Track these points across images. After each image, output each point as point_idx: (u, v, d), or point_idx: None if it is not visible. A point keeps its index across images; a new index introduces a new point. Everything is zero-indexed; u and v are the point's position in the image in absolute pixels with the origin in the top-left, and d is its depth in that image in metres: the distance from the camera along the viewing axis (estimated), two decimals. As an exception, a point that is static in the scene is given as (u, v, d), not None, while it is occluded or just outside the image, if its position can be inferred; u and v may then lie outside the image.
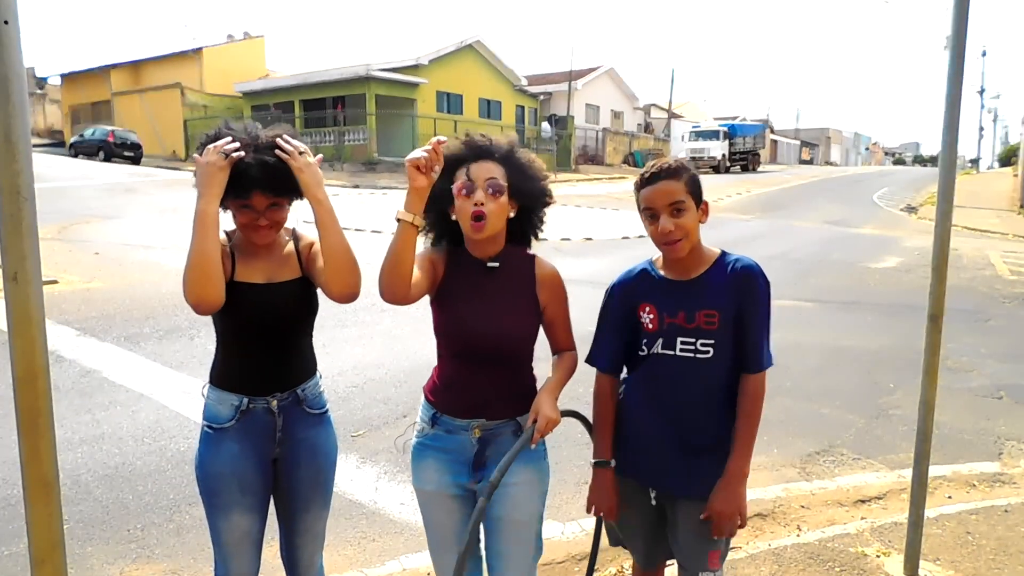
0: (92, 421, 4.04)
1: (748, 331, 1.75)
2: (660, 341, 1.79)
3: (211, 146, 1.70)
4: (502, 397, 1.77)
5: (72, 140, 27.86)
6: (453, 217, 1.74)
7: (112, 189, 16.32)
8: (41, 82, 37.85)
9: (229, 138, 1.72)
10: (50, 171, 18.43)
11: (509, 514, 1.76)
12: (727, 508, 1.74)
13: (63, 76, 35.60)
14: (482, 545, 1.84)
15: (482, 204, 1.67)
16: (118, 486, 3.36)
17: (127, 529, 3.01)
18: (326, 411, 1.97)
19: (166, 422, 4.06)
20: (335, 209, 1.75)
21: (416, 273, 1.67)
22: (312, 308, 1.91)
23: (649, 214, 1.74)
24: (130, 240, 9.96)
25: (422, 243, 1.79)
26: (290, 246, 1.90)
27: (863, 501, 3.42)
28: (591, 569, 2.11)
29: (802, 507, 3.33)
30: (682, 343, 1.77)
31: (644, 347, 1.83)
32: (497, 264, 1.76)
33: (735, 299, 1.75)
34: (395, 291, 1.61)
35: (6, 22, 1.16)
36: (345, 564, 2.81)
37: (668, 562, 2.01)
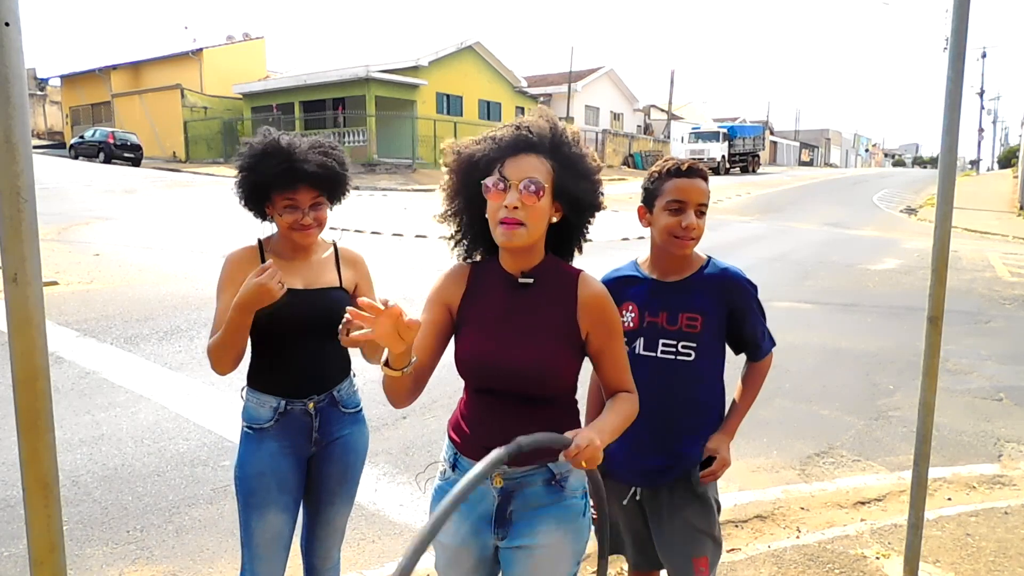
0: (92, 422, 4.04)
1: (745, 329, 1.83)
2: (641, 341, 1.80)
3: (272, 273, 1.64)
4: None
5: (72, 141, 27.89)
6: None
7: (112, 190, 16.32)
8: (41, 83, 37.88)
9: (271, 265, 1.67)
10: (50, 173, 18.44)
11: None
12: (726, 456, 1.81)
13: (63, 77, 35.63)
14: None
15: (516, 208, 1.38)
16: (117, 487, 3.35)
17: (126, 530, 3.01)
18: (360, 409, 2.02)
19: (165, 423, 4.06)
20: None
21: (422, 340, 1.43)
22: (342, 317, 1.93)
23: (675, 206, 1.75)
24: (130, 241, 9.96)
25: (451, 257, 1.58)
26: (329, 252, 1.96)
27: (862, 503, 3.41)
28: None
29: (801, 509, 3.33)
30: (663, 344, 1.79)
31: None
32: (531, 280, 1.46)
33: (722, 304, 1.79)
34: (402, 404, 1.48)
35: (7, 24, 1.16)
36: (344, 565, 2.79)
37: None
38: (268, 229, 1.95)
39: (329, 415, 1.92)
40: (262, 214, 1.90)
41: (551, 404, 1.48)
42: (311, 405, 1.88)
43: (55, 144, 32.89)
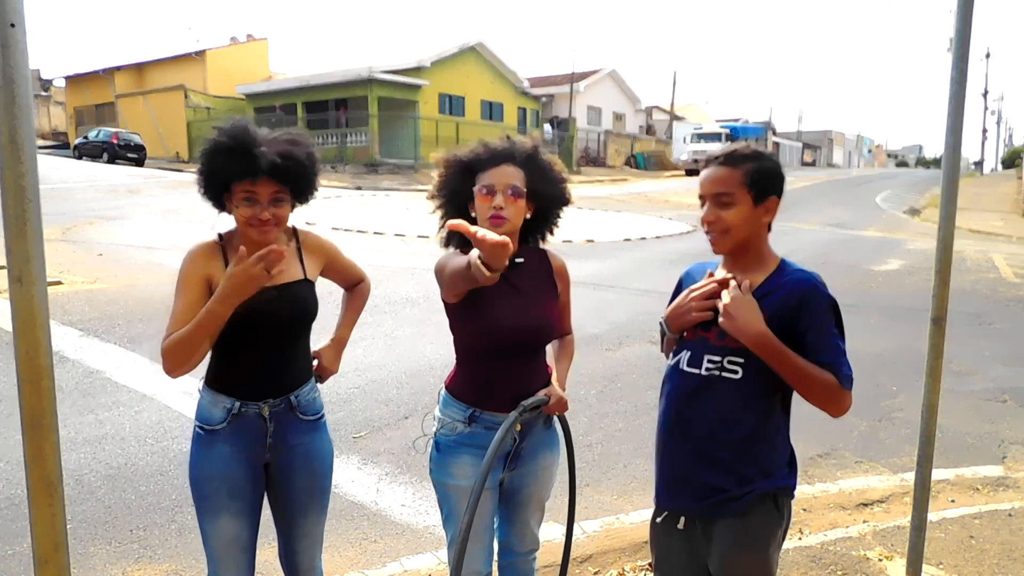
0: (95, 421, 4.05)
1: (813, 351, 1.55)
2: (687, 355, 1.63)
3: (257, 256, 1.56)
4: (537, 384, 1.84)
5: (76, 142, 27.95)
6: (473, 214, 1.81)
7: (116, 190, 16.36)
8: (46, 84, 38.01)
9: (274, 247, 1.59)
10: (55, 173, 18.48)
11: (539, 493, 1.96)
12: (740, 314, 1.50)
13: (67, 78, 35.73)
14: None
15: (501, 208, 1.75)
16: (121, 486, 3.36)
17: (129, 529, 3.02)
18: (320, 416, 1.93)
19: (168, 423, 4.07)
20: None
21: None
22: (311, 312, 1.86)
23: (701, 201, 1.62)
24: (133, 241, 9.98)
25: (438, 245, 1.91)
26: (291, 247, 1.86)
27: (865, 504, 3.41)
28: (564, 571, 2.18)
29: (804, 510, 3.33)
30: (708, 361, 1.59)
31: (671, 356, 1.69)
32: (522, 260, 1.83)
33: (784, 315, 1.54)
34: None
35: (12, 25, 1.16)
36: (346, 565, 2.81)
37: None
38: (227, 222, 1.83)
39: (285, 421, 1.83)
40: (221, 204, 1.77)
41: (542, 352, 1.90)
42: (265, 409, 1.79)
43: (59, 144, 32.98)
